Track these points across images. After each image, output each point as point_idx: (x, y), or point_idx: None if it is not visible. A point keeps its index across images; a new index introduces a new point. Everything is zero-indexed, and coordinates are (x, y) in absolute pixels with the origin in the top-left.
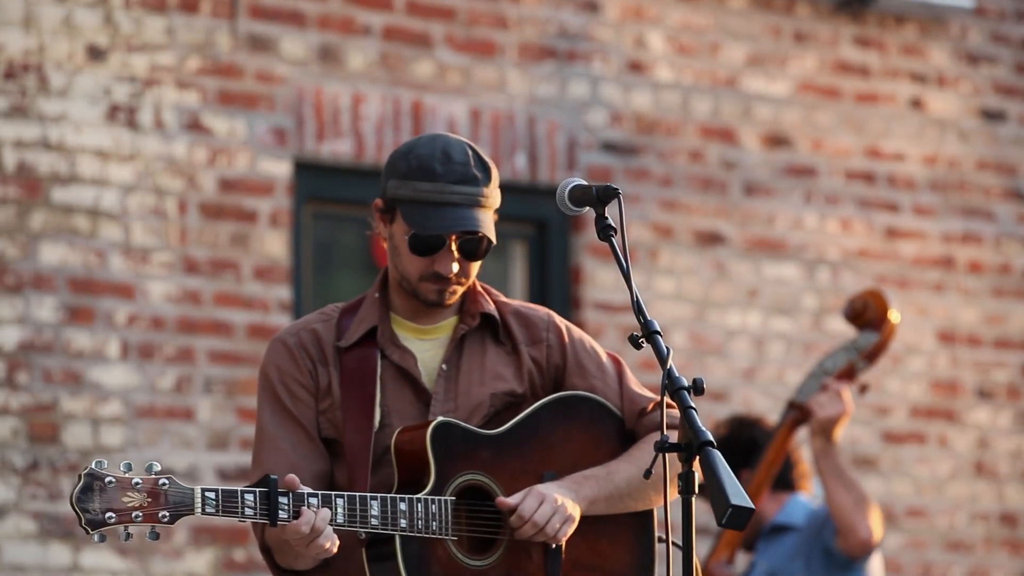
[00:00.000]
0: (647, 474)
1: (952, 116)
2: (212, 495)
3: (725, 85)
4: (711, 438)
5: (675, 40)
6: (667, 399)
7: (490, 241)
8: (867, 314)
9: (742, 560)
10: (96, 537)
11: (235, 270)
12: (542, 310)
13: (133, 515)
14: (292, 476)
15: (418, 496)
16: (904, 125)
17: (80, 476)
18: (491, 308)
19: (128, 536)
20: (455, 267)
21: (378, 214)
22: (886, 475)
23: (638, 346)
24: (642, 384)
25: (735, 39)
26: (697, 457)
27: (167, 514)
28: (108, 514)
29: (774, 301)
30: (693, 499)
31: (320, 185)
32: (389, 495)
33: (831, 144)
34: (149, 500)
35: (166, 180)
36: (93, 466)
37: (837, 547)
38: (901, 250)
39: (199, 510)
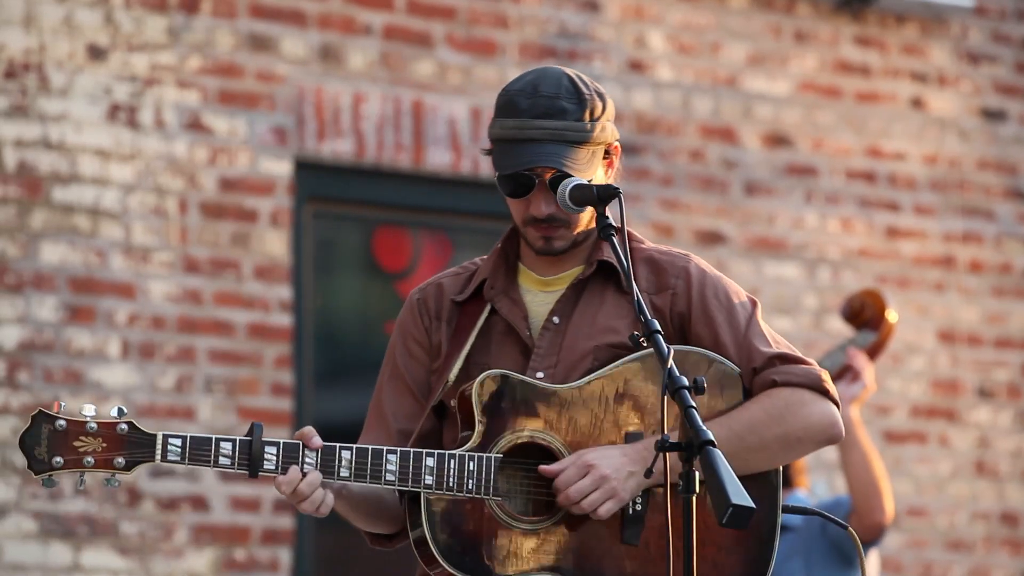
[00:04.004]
0: (648, 473)
1: (953, 115)
2: (177, 441)
3: (726, 84)
4: (712, 437)
5: (675, 39)
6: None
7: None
8: (865, 313)
9: None
10: (43, 481)
11: (236, 270)
12: (681, 256)
13: (84, 460)
14: (307, 429)
15: (452, 452)
16: (905, 124)
17: (30, 418)
18: (610, 255)
19: (82, 482)
20: (544, 207)
21: (490, 159)
22: (887, 474)
23: (639, 346)
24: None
25: (736, 38)
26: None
27: (123, 460)
28: (56, 458)
29: (775, 300)
30: (693, 499)
31: (321, 184)
32: (414, 449)
33: (832, 143)
34: (104, 445)
35: (167, 179)
36: (46, 408)
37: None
38: (902, 249)
39: (159, 456)
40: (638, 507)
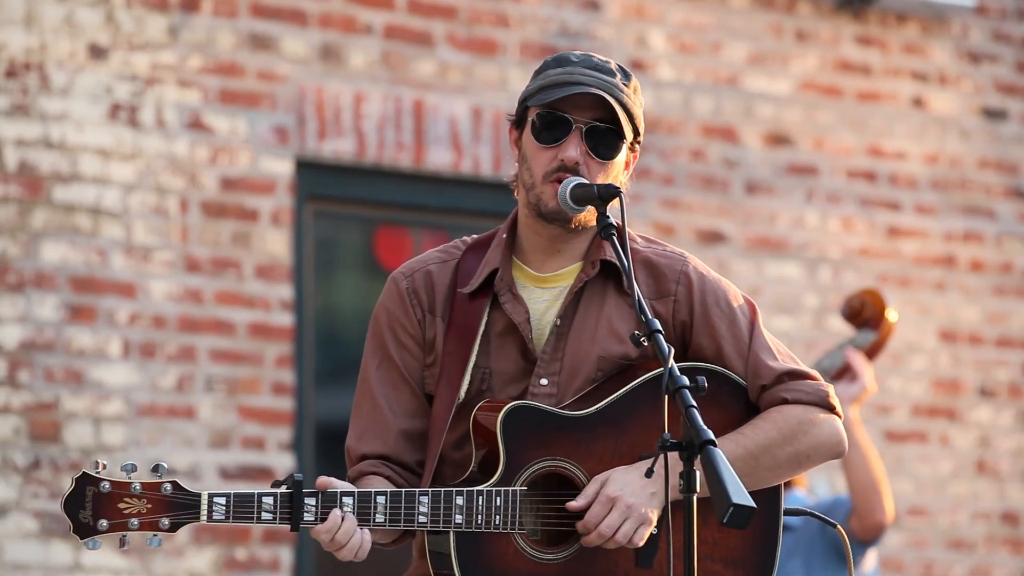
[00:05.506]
0: (649, 472)
1: (953, 115)
2: (222, 500)
3: (726, 84)
4: (712, 436)
5: (676, 39)
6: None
7: (621, 135)
8: (865, 313)
9: None
10: (89, 544)
11: (236, 269)
12: (677, 257)
13: (129, 523)
14: (325, 479)
15: (479, 489)
16: (905, 124)
17: (73, 480)
18: (611, 255)
19: (125, 543)
20: (574, 153)
21: (512, 136)
22: (888, 474)
23: (639, 345)
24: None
25: (736, 38)
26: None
27: (168, 521)
28: (100, 521)
29: (776, 300)
30: (694, 498)
31: (321, 184)
32: (444, 488)
33: (832, 143)
34: (149, 506)
35: (167, 179)
36: (88, 469)
37: (849, 529)
38: (903, 249)
39: (204, 517)
40: (653, 531)
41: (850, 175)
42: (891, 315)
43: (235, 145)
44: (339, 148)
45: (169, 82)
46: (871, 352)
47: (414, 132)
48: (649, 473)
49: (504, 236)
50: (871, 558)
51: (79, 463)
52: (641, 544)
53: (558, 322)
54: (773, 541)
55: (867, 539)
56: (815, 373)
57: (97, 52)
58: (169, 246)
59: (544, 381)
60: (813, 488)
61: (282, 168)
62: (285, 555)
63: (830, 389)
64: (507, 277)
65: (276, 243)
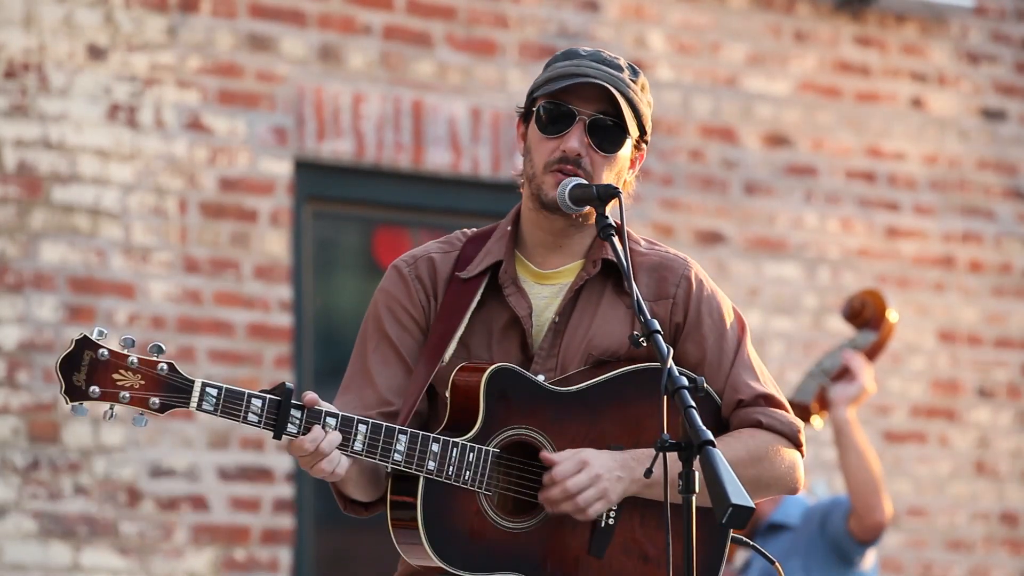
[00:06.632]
0: (647, 473)
1: (952, 115)
2: (213, 392)
3: (725, 84)
4: (711, 437)
5: (675, 39)
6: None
7: (624, 130)
8: (865, 313)
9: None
10: (76, 409)
11: (235, 269)
12: (681, 261)
13: (120, 395)
14: (313, 395)
15: (456, 440)
16: (904, 124)
17: (72, 341)
18: (611, 254)
19: (111, 415)
20: (576, 144)
21: (520, 130)
22: (887, 474)
23: (638, 345)
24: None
25: (735, 38)
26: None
27: (158, 401)
28: (92, 388)
29: (775, 300)
30: (693, 499)
31: (320, 184)
32: (422, 432)
33: (831, 143)
34: (143, 382)
35: (166, 179)
36: (89, 334)
37: (848, 530)
38: (902, 249)
39: (195, 404)
40: (611, 521)
41: (849, 176)
42: (892, 316)
43: (234, 146)
44: (338, 149)
45: (168, 83)
46: (871, 353)
47: (413, 133)
48: (648, 474)
49: (508, 229)
50: (870, 558)
51: (78, 464)
52: (593, 516)
53: (556, 319)
54: (718, 558)
55: (866, 539)
56: (787, 404)
57: (96, 53)
58: (168, 247)
59: (541, 377)
60: (812, 488)
61: (281, 168)
62: (284, 555)
63: (801, 425)
64: (510, 270)
65: (275, 244)
